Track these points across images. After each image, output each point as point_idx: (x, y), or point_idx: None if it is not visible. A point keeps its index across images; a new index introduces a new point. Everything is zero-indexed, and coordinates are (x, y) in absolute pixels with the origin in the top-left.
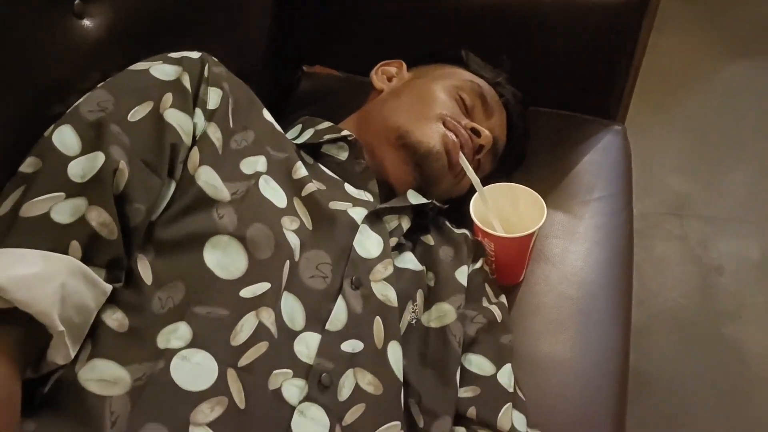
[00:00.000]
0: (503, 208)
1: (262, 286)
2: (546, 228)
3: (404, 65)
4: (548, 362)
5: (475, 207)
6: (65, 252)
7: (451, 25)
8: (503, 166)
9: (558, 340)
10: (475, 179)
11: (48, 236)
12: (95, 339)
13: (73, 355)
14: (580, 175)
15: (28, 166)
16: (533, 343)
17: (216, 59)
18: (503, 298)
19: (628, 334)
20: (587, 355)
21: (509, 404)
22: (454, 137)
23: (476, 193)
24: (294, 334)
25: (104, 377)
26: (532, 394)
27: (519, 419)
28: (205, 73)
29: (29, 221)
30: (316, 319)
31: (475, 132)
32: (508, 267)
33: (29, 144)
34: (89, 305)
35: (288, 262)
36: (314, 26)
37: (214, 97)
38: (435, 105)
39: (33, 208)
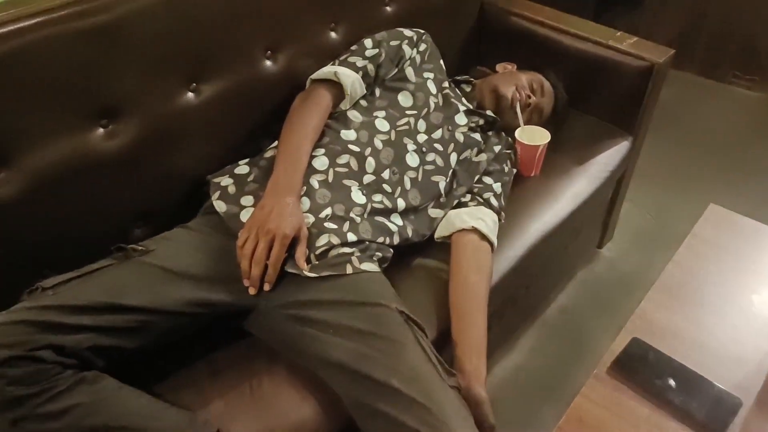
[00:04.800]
0: (532, 135)
1: (413, 111)
2: (552, 161)
3: (515, 66)
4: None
5: (517, 131)
6: (357, 73)
7: (551, 61)
8: (547, 126)
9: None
10: (520, 118)
11: (354, 68)
12: (355, 105)
13: (349, 106)
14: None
15: (353, 46)
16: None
17: (429, 35)
18: (514, 170)
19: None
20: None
21: (492, 193)
22: (517, 94)
23: (520, 127)
24: (417, 132)
25: (355, 118)
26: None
27: (495, 200)
28: (423, 38)
29: (348, 62)
30: (429, 131)
31: (529, 97)
32: (526, 163)
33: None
34: (358, 92)
35: (426, 109)
36: (493, 41)
37: (423, 47)
38: (516, 81)
39: (350, 60)
